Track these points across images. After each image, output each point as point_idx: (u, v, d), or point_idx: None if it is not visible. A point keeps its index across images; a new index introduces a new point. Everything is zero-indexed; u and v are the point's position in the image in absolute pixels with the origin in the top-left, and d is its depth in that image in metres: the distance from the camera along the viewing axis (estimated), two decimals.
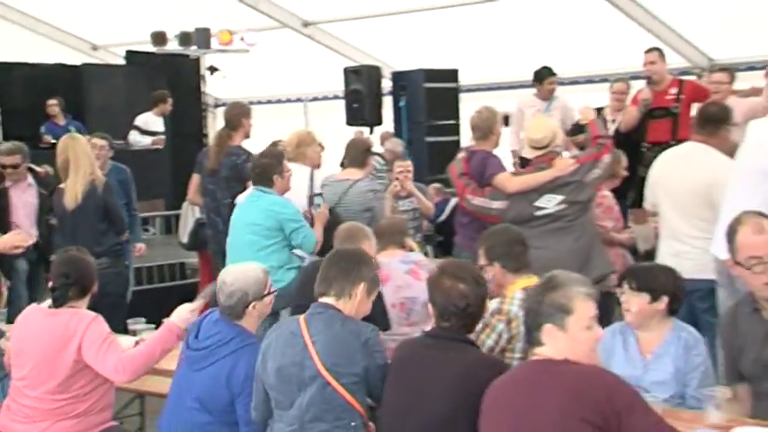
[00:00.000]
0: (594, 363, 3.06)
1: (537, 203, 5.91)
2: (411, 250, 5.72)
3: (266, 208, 5.98)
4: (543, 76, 9.25)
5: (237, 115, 7.07)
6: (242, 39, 12.82)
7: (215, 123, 14.26)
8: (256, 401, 3.68)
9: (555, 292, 3.06)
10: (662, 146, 7.26)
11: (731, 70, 8.19)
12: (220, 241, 6.89)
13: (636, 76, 9.12)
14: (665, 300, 3.98)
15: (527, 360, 3.18)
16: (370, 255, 4.20)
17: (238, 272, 3.97)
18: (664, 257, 5.52)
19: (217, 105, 15.29)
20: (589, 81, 11.61)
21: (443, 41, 12.14)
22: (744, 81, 8.49)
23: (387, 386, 3.49)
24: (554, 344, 3.01)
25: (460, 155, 6.58)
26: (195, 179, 7.37)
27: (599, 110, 8.64)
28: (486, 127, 6.44)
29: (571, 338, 3.00)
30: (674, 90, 7.95)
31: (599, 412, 2.79)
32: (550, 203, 5.90)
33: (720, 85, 7.82)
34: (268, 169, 6.06)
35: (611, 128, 8.36)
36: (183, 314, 4.12)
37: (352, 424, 3.47)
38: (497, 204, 6.01)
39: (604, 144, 6.10)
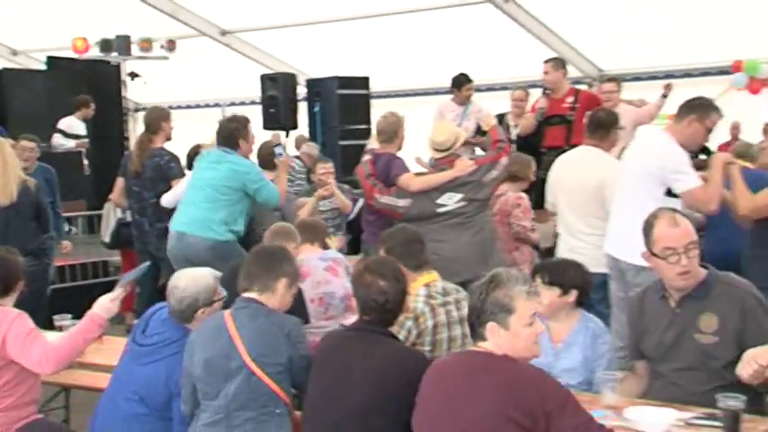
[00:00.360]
0: (536, 354, 3.07)
1: (438, 201, 5.99)
2: (327, 248, 5.73)
3: (230, 168, 5.94)
4: (461, 83, 9.31)
5: (157, 119, 6.95)
6: (162, 46, 12.60)
7: (136, 127, 14.05)
8: (185, 395, 3.63)
9: (498, 291, 3.02)
10: (557, 150, 7.39)
11: (619, 80, 8.45)
12: (146, 241, 6.88)
13: (533, 85, 9.31)
14: (574, 293, 4.07)
15: (469, 349, 3.16)
16: (291, 252, 4.16)
17: (190, 278, 3.89)
18: (561, 253, 5.65)
19: (137, 110, 15.08)
20: (490, 89, 11.78)
21: (355, 51, 12.19)
22: (630, 90, 8.77)
23: (311, 376, 3.47)
24: (496, 340, 3.00)
25: (366, 157, 6.64)
26: (120, 182, 7.23)
27: (502, 116, 8.80)
28: (392, 131, 6.44)
29: (513, 335, 2.99)
30: (570, 99, 8.05)
31: (528, 412, 2.79)
32: (451, 201, 5.99)
33: (611, 94, 8.08)
34: (234, 133, 6.04)
35: (513, 132, 8.52)
36: (105, 304, 4.03)
37: (277, 411, 3.47)
38: (403, 202, 6.04)
39: (503, 147, 6.23)
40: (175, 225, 6.00)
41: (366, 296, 3.48)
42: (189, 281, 3.86)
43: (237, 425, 3.44)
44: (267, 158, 6.81)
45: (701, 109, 5.05)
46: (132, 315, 7.39)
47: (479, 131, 8.37)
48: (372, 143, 6.78)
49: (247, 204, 6.00)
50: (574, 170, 5.95)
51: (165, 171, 6.70)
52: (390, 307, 3.48)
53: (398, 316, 3.61)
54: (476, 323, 3.05)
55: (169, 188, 6.57)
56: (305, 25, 12.30)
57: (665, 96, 8.39)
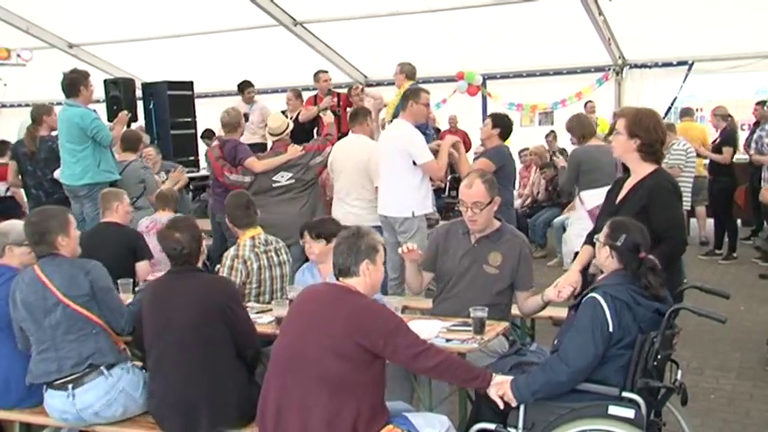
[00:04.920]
0: (377, 290, 2.98)
1: (274, 178, 5.98)
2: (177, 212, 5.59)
3: (69, 119, 5.72)
4: (245, 87, 9.48)
5: (40, 114, 6.62)
6: (18, 55, 11.30)
7: None
8: (18, 337, 3.44)
9: (367, 238, 2.91)
10: None
11: (362, 87, 8.83)
12: None
13: (305, 88, 9.40)
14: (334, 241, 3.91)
15: (335, 282, 2.94)
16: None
17: (7, 224, 3.72)
18: (336, 214, 5.57)
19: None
20: (274, 91, 11.57)
21: (182, 60, 11.74)
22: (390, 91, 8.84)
23: (145, 313, 3.30)
24: (364, 277, 2.85)
25: (215, 143, 6.43)
26: (13, 165, 6.86)
27: (284, 112, 8.57)
28: (235, 122, 6.27)
29: (377, 269, 2.89)
30: (335, 98, 8.45)
31: (369, 337, 2.72)
32: (283, 178, 5.96)
33: (356, 96, 8.28)
34: (75, 82, 5.78)
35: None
36: None
37: (93, 332, 3.34)
38: (248, 179, 5.97)
39: (329, 139, 6.19)
40: None
41: (167, 246, 3.35)
42: (6, 226, 3.70)
43: (63, 347, 3.30)
44: (131, 144, 6.59)
45: (413, 94, 5.22)
46: None
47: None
48: (220, 132, 6.66)
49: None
50: (345, 152, 5.84)
51: (57, 153, 6.28)
52: (187, 252, 3.32)
53: (198, 255, 3.40)
54: (352, 263, 2.86)
55: (59, 166, 6.19)
56: (140, 40, 11.76)
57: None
